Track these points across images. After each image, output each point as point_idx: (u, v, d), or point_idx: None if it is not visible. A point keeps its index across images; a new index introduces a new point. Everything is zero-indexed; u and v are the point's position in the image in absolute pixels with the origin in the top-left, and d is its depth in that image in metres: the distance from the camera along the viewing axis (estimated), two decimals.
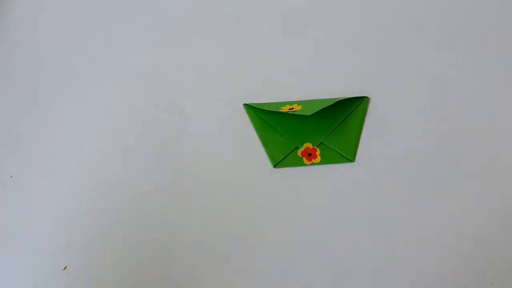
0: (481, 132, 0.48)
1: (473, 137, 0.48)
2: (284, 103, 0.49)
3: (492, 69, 0.50)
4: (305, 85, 0.50)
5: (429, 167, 0.47)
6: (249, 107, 0.50)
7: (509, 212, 0.46)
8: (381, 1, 0.52)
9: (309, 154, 0.48)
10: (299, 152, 0.48)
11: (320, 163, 0.48)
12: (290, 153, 0.48)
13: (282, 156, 0.48)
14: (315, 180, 0.48)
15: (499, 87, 0.49)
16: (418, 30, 0.51)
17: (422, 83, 0.50)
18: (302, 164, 0.48)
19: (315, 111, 0.45)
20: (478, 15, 0.51)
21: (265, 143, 0.49)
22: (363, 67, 0.50)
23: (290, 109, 0.47)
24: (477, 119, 0.48)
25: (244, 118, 0.50)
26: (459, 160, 0.47)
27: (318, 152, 0.48)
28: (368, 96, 0.49)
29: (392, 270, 0.45)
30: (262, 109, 0.49)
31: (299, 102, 0.48)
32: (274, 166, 0.48)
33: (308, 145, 0.48)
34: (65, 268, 0.48)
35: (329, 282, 0.46)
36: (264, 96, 0.50)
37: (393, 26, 0.51)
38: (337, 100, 0.47)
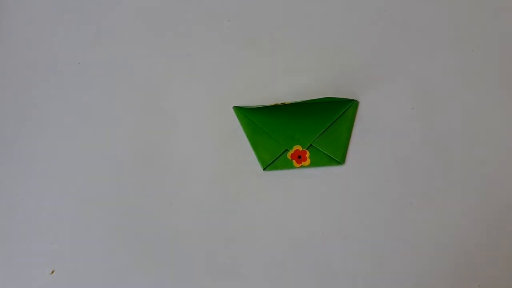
0: (469, 135, 0.48)
1: (461, 140, 0.48)
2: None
3: (479, 72, 0.50)
4: (295, 88, 0.50)
5: (417, 170, 0.48)
6: (238, 110, 0.50)
7: (496, 215, 0.46)
8: (370, 6, 0.52)
9: (299, 157, 0.48)
10: (288, 155, 0.48)
11: (310, 165, 0.48)
12: (279, 155, 0.48)
13: (272, 158, 0.48)
14: (305, 182, 0.48)
15: (487, 91, 0.49)
16: (406, 34, 0.51)
17: (410, 87, 0.50)
18: (292, 166, 0.48)
19: (304, 100, 0.45)
20: (466, 19, 0.52)
21: (254, 146, 0.49)
22: (352, 71, 0.50)
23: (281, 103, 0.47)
24: (465, 122, 0.49)
25: (234, 121, 0.50)
26: (447, 163, 0.48)
27: (307, 155, 0.48)
28: (357, 100, 0.50)
29: (381, 272, 0.46)
30: (251, 110, 0.49)
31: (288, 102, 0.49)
32: (263, 169, 0.48)
33: (298, 147, 0.48)
34: (52, 272, 0.47)
35: (319, 285, 0.46)
36: (254, 99, 0.50)
37: (381, 30, 0.52)
38: (327, 98, 0.47)
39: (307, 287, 0.46)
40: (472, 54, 0.50)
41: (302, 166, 0.48)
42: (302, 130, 0.49)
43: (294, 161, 0.48)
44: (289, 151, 0.48)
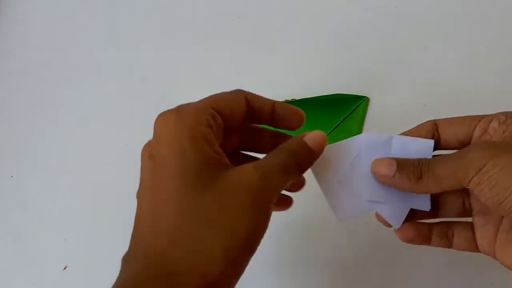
0: None
1: None
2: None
3: (492, 69, 0.49)
4: (304, 86, 0.50)
5: None
6: None
7: None
8: (381, 2, 0.52)
9: None
10: None
11: None
12: None
13: None
14: (314, 181, 0.48)
15: (499, 88, 0.49)
16: (418, 30, 0.51)
17: (422, 83, 0.49)
18: None
19: (314, 97, 0.45)
20: (478, 15, 0.51)
21: None
22: (363, 67, 0.50)
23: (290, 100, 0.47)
24: None
25: None
26: None
27: None
28: (368, 96, 0.49)
29: (385, 268, 0.45)
30: None
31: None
32: None
33: None
34: (65, 268, 0.47)
35: (325, 283, 0.46)
36: (264, 96, 0.50)
37: (393, 26, 0.51)
38: (337, 95, 0.46)
39: (310, 284, 0.46)
40: (484, 50, 0.50)
41: None
42: (313, 127, 0.48)
43: None
44: None
